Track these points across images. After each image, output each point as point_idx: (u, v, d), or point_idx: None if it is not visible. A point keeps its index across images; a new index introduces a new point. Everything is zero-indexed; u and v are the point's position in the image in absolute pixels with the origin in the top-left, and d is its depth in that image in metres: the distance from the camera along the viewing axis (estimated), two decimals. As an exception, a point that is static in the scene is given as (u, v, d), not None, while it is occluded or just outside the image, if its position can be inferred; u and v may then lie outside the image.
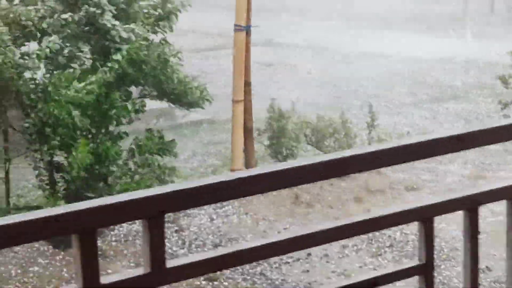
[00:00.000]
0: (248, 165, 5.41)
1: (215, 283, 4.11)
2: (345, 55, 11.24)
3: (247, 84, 5.37)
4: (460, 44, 12.69)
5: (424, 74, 10.97)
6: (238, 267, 4.34)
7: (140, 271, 0.87)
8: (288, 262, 4.41)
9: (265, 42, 10.66)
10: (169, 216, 5.33)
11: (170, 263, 0.92)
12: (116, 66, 4.61)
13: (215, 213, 5.14)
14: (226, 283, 4.30)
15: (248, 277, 4.17)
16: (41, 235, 0.84)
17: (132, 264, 4.65)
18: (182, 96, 5.11)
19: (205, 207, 5.23)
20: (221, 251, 1.01)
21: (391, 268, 1.20)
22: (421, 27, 14.03)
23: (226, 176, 1.09)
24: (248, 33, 5.29)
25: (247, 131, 5.33)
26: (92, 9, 4.78)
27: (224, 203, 5.21)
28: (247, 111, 5.30)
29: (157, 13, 5.01)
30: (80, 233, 0.80)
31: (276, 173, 1.04)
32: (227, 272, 4.34)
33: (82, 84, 4.55)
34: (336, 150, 6.01)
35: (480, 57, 11.81)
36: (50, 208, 0.87)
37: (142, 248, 0.88)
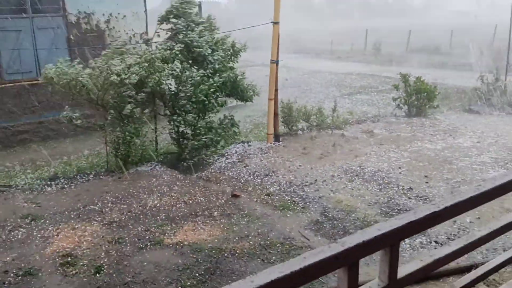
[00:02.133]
0: (275, 130, 9.94)
1: (269, 197, 6.85)
2: (305, 71, 20.52)
3: (276, 89, 9.74)
4: (353, 65, 22.82)
5: (342, 80, 17.77)
6: (283, 189, 7.23)
7: (377, 282, 1.26)
8: (306, 185, 7.27)
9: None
10: (238, 157, 9.79)
11: (401, 274, 1.25)
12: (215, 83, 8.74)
13: (262, 157, 9.69)
14: (276, 198, 6.81)
15: (288, 195, 6.93)
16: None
17: (224, 185, 7.42)
18: (243, 95, 9.41)
19: (255, 155, 9.81)
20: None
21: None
22: (333, 57, 27.12)
23: (435, 205, 1.36)
24: (277, 64, 9.58)
25: (275, 114, 9.82)
26: (198, 49, 8.82)
27: (265, 152, 9.84)
28: (275, 103, 9.73)
29: (230, 52, 9.14)
30: (349, 265, 1.15)
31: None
32: (276, 191, 7.18)
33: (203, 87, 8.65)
34: (319, 125, 10.83)
35: (364, 72, 20.83)
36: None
37: (380, 266, 1.22)
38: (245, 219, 6.53)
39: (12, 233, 6.18)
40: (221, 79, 8.55)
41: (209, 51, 8.62)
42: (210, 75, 8.70)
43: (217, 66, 8.68)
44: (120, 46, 8.37)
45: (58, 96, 10.95)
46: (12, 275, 5.21)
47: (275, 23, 9.10)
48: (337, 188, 7.20)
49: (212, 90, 8.46)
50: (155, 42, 8.67)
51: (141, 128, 8.39)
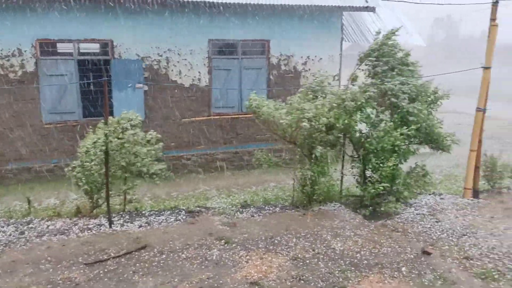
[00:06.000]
0: (475, 185, 8.95)
1: (467, 261, 7.47)
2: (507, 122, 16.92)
3: (480, 140, 8.82)
4: None
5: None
6: (485, 254, 7.90)
7: None
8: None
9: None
10: (429, 210, 8.96)
11: None
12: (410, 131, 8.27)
13: (458, 213, 8.81)
14: (477, 264, 6.32)
15: (491, 262, 6.46)
16: None
17: (413, 238, 6.95)
18: (439, 144, 8.68)
19: (449, 209, 8.91)
20: None
21: None
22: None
23: None
24: (484, 113, 8.72)
25: (476, 168, 8.85)
26: (393, 99, 8.52)
27: (461, 208, 8.88)
28: (478, 156, 8.79)
29: (430, 99, 8.62)
30: None
31: None
32: (476, 255, 7.62)
33: (395, 134, 8.24)
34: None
35: None
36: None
37: None
38: (439, 282, 5.92)
39: (209, 252, 6.73)
40: (413, 129, 8.00)
41: (406, 101, 8.22)
42: (402, 121, 8.27)
43: (411, 117, 8.19)
44: (314, 85, 8.65)
45: (255, 129, 11.84)
46: (206, 293, 5.61)
47: (486, 68, 8.31)
48: (560, 265, 6.08)
49: (400, 140, 8.00)
50: (353, 85, 8.72)
51: (328, 167, 8.42)
